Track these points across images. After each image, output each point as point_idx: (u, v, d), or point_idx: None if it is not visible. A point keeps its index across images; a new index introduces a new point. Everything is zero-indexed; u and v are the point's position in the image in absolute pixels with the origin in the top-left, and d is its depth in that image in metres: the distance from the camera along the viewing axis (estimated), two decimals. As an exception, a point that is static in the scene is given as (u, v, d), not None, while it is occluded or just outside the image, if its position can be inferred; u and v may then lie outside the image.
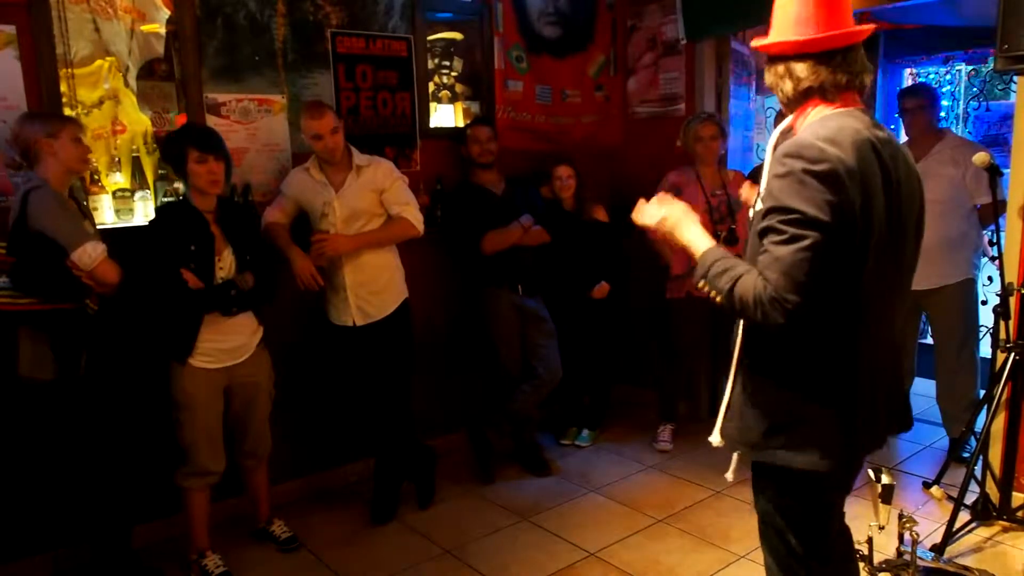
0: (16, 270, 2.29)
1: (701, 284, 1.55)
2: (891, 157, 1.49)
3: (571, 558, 2.82)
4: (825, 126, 1.47)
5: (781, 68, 1.55)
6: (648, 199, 1.77)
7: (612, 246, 3.85)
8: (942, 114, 4.18)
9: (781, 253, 1.39)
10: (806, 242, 1.37)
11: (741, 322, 1.62)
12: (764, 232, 1.44)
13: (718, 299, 1.50)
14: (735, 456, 1.73)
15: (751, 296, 1.41)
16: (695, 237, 1.63)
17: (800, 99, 1.55)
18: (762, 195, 1.52)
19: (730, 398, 1.66)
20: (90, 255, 2.31)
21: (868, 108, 1.74)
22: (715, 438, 1.70)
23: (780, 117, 1.68)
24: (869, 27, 1.53)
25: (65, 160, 2.35)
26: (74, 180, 2.52)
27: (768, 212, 1.43)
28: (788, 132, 1.59)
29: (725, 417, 1.67)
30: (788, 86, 1.54)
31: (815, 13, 1.49)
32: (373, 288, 3.01)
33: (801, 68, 1.51)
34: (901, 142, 3.75)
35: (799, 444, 1.54)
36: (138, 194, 2.86)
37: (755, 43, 1.59)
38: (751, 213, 1.64)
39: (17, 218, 2.30)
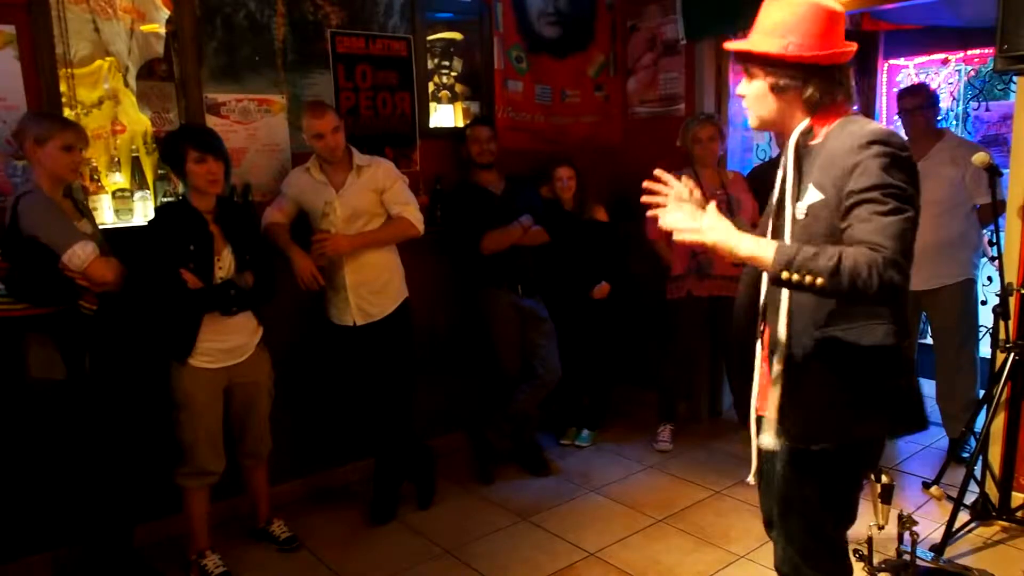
0: (10, 275, 2.30)
1: (785, 275, 1.45)
2: None
3: (571, 558, 2.82)
4: (868, 123, 1.54)
5: (799, 73, 1.56)
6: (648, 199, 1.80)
7: (612, 246, 3.85)
8: (940, 116, 4.18)
9: (888, 221, 1.41)
10: (908, 214, 1.43)
11: (783, 321, 1.61)
12: (858, 204, 1.45)
13: (818, 281, 1.41)
14: (755, 456, 1.76)
15: (864, 262, 1.39)
16: (753, 243, 1.50)
17: (827, 104, 1.58)
18: (815, 185, 1.55)
19: (783, 397, 1.63)
20: (79, 256, 2.30)
21: (869, 110, 1.80)
22: (769, 440, 1.65)
23: None
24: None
25: (50, 168, 2.33)
26: (73, 183, 2.50)
27: (864, 190, 1.45)
28: (808, 134, 1.62)
29: (781, 417, 1.63)
30: (815, 93, 1.57)
31: (837, 29, 1.57)
32: (373, 288, 3.01)
33: (827, 78, 1.57)
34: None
35: (868, 416, 1.59)
36: (138, 194, 2.86)
37: (801, 51, 1.56)
38: (801, 208, 1.58)
39: (9, 224, 2.31)
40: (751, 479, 1.79)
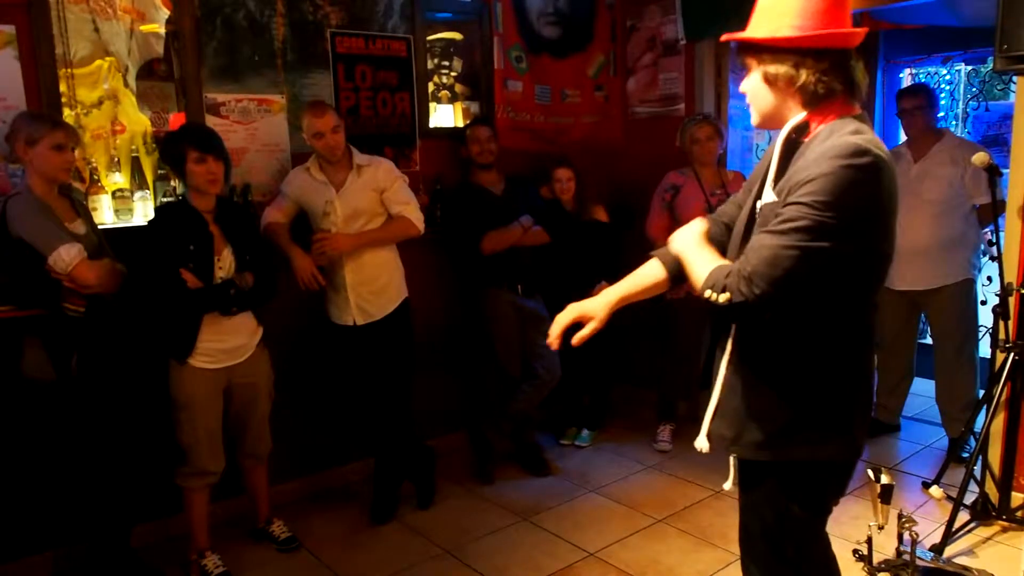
0: None
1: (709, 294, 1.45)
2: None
3: (571, 558, 2.82)
4: (859, 133, 1.38)
5: (791, 59, 1.41)
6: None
7: (612, 246, 3.85)
8: (941, 114, 4.19)
9: (772, 243, 1.34)
10: (807, 246, 1.32)
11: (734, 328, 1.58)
12: (777, 215, 1.37)
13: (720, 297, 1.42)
14: (733, 463, 1.68)
15: (721, 276, 1.40)
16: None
17: (825, 97, 1.43)
18: (777, 188, 1.45)
19: (721, 399, 1.60)
20: (64, 259, 2.29)
21: (869, 110, 1.73)
22: (702, 442, 1.63)
23: None
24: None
25: (40, 169, 2.32)
26: (64, 183, 2.49)
27: (790, 204, 1.35)
28: (804, 129, 1.48)
29: (716, 419, 1.61)
30: (809, 81, 1.42)
31: (839, 11, 1.41)
32: (374, 287, 3.01)
33: (823, 64, 1.40)
34: (900, 142, 3.76)
35: (819, 437, 1.50)
36: (137, 194, 2.85)
37: (791, 32, 1.41)
38: (759, 204, 1.50)
39: None
40: (728, 485, 1.70)
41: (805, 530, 1.61)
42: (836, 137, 1.38)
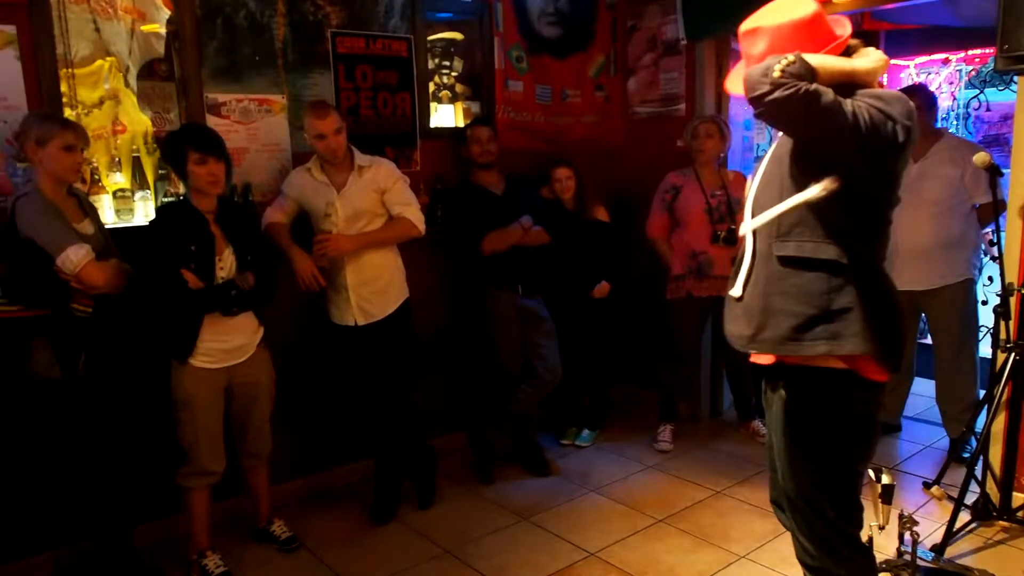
0: (6, 277, 2.30)
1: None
2: None
3: (571, 558, 2.82)
4: None
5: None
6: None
7: (613, 246, 3.86)
8: (941, 115, 4.18)
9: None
10: (850, 106, 1.48)
11: (747, 221, 1.67)
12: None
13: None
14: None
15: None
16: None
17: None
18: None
19: (741, 301, 1.66)
20: (72, 260, 2.30)
21: None
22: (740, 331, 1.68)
23: None
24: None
25: (51, 168, 2.33)
26: (73, 184, 2.49)
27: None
28: None
29: (733, 320, 1.67)
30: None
31: (821, 28, 1.66)
32: (375, 288, 3.01)
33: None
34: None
35: (839, 334, 1.57)
36: (138, 194, 2.86)
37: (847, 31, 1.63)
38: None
39: (7, 225, 2.31)
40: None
41: (838, 487, 1.68)
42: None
